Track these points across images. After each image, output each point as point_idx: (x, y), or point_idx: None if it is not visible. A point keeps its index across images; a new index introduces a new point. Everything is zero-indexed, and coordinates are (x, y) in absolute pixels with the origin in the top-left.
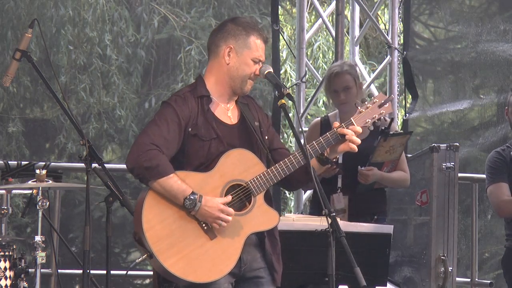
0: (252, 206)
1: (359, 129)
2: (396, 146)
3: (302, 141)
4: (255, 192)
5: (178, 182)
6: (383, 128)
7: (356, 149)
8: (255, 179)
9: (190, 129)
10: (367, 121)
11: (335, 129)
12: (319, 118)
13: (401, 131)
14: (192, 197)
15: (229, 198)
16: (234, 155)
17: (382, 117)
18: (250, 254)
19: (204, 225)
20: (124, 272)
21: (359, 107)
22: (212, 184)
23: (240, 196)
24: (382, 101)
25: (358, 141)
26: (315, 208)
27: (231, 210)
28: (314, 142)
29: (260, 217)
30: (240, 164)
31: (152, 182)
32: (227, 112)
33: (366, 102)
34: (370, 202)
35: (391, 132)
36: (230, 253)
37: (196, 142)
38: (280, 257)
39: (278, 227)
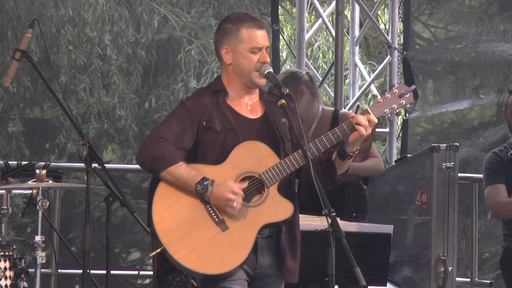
0: (265, 197)
1: (374, 119)
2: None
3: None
4: (267, 183)
5: (188, 169)
6: None
7: (365, 133)
8: (268, 170)
9: (204, 123)
10: (385, 111)
11: (350, 118)
12: None
13: None
14: (204, 182)
15: (245, 184)
16: (246, 147)
17: (398, 109)
18: (267, 259)
19: (215, 217)
20: (126, 272)
21: (377, 98)
22: (223, 176)
23: (253, 188)
24: (403, 91)
25: (366, 123)
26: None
27: (240, 190)
28: (329, 132)
29: (273, 208)
30: (253, 156)
31: (162, 172)
32: (246, 107)
33: (385, 93)
34: (348, 200)
35: None
36: (242, 244)
37: (211, 135)
38: (297, 254)
39: None
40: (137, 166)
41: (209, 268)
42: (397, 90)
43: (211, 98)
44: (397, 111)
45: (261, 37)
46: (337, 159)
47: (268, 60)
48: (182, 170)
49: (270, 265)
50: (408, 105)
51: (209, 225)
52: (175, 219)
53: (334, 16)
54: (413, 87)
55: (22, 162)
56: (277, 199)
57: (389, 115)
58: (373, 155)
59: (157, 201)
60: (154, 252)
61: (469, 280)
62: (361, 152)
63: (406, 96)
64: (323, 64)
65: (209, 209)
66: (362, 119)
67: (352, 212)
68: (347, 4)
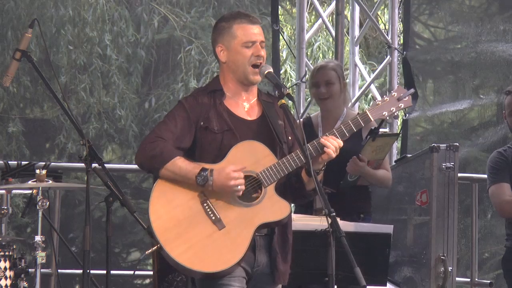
0: (262, 197)
1: (340, 143)
2: (383, 146)
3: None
4: (265, 183)
5: (186, 162)
6: (372, 128)
7: (334, 155)
8: (265, 170)
9: (202, 123)
10: (383, 113)
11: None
12: (301, 119)
13: (390, 133)
14: (203, 173)
15: (242, 175)
16: (245, 147)
17: (397, 112)
18: (265, 258)
19: (212, 215)
20: (126, 272)
21: (376, 100)
22: None
23: (250, 187)
24: (401, 94)
25: (334, 148)
26: (300, 207)
27: (240, 174)
28: (327, 133)
29: (270, 207)
30: (251, 156)
31: (161, 169)
32: (244, 108)
33: (384, 96)
34: (356, 201)
35: (379, 133)
36: (238, 243)
37: (209, 135)
38: (288, 257)
39: None
40: (137, 166)
41: (205, 266)
42: (395, 93)
43: (209, 98)
44: (395, 114)
45: (254, 31)
46: (305, 176)
47: (262, 53)
48: (180, 163)
49: (268, 263)
50: (406, 108)
51: (206, 224)
52: (172, 217)
53: (334, 16)
54: (412, 90)
55: (22, 162)
56: (275, 199)
57: (388, 118)
58: (384, 167)
59: (154, 199)
60: (150, 250)
61: (469, 280)
62: (372, 162)
63: (405, 99)
64: None
65: (206, 207)
66: (331, 144)
67: (360, 214)
68: (347, 4)
